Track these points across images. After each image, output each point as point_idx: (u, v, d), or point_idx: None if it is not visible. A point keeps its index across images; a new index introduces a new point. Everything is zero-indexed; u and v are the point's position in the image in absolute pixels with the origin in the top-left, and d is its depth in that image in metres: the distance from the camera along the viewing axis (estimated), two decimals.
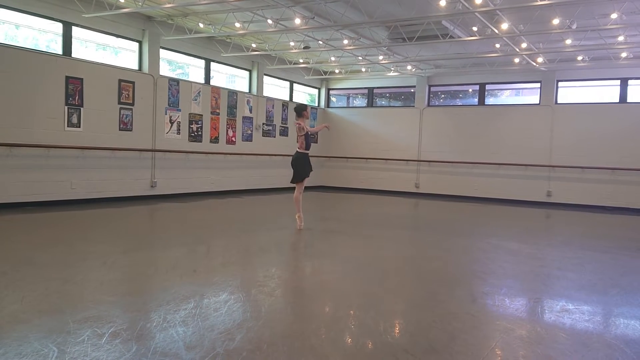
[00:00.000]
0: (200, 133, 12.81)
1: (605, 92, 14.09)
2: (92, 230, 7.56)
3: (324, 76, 16.52)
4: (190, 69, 13.22)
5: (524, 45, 11.41)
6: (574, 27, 9.60)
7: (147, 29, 11.32)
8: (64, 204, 9.75)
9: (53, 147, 9.59)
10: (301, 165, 7.96)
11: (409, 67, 14.86)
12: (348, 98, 18.35)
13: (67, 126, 9.87)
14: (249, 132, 14.40)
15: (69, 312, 3.67)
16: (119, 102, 10.81)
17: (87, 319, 3.51)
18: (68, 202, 9.88)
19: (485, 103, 15.57)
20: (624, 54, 11.89)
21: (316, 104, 17.81)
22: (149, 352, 3.00)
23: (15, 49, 9.17)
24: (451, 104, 16.75)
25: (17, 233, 7.09)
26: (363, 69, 15.56)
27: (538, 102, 14.59)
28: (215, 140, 13.25)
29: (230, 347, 3.12)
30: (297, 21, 10.05)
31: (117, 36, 11.05)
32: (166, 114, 11.91)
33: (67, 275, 4.83)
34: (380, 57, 13.53)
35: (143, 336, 3.26)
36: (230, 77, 14.43)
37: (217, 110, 13.30)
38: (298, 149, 7.97)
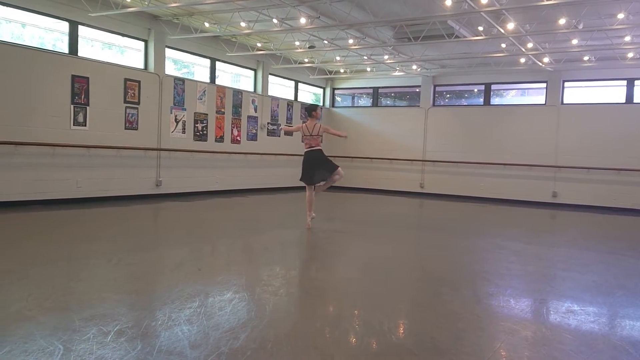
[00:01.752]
0: (205, 132, 12.83)
1: (612, 92, 14.01)
2: (97, 229, 7.58)
3: (329, 76, 16.51)
4: (195, 68, 13.24)
5: (529, 45, 11.37)
6: (580, 27, 9.56)
7: (153, 28, 11.35)
8: (70, 203, 9.79)
9: (59, 146, 9.63)
10: (304, 165, 8.02)
11: (414, 67, 14.83)
12: (353, 98, 18.34)
13: (73, 125, 9.90)
14: (254, 131, 14.41)
15: (75, 309, 3.69)
16: (125, 101, 10.85)
17: (92, 316, 3.53)
18: (73, 201, 9.91)
19: (491, 103, 15.53)
20: (630, 54, 11.83)
21: (321, 104, 17.81)
22: (154, 350, 3.01)
23: (21, 47, 9.21)
24: (456, 103, 16.71)
25: (22, 231, 7.13)
26: (368, 69, 15.54)
27: (544, 102, 14.53)
28: (220, 139, 13.27)
29: (234, 346, 3.12)
30: (303, 21, 10.05)
31: (123, 35, 11.08)
32: (171, 113, 11.93)
33: (72, 273, 4.86)
34: (386, 57, 13.52)
35: (148, 334, 3.27)
36: (235, 77, 14.45)
37: (222, 110, 13.31)
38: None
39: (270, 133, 15.01)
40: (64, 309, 3.71)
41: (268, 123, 14.87)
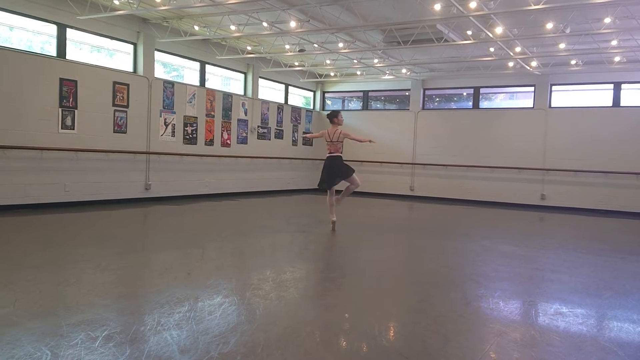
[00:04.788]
0: (195, 135, 12.78)
1: (599, 96, 14.17)
2: (85, 233, 7.52)
3: (319, 79, 16.53)
4: (185, 71, 13.20)
5: (518, 49, 11.47)
6: (568, 31, 9.66)
7: (142, 31, 11.30)
8: (58, 207, 9.71)
9: (47, 149, 9.55)
10: (323, 170, 8.33)
11: (403, 71, 14.89)
12: (343, 101, 18.37)
13: (61, 128, 9.82)
14: (244, 134, 14.38)
15: (62, 315, 3.65)
16: (114, 104, 10.78)
17: (80, 322, 3.49)
18: (61, 205, 9.82)
19: (480, 106, 15.63)
20: (617, 58, 11.97)
21: (311, 107, 17.82)
22: (142, 355, 2.99)
23: (9, 50, 9.13)
24: (446, 107, 16.80)
25: (10, 235, 7.05)
26: (358, 72, 15.58)
27: (532, 106, 14.66)
28: (210, 142, 13.23)
29: (224, 350, 3.11)
30: (293, 24, 10.06)
31: (112, 38, 11.02)
32: (161, 117, 11.88)
33: (60, 278, 4.81)
34: (375, 61, 13.56)
35: (137, 339, 3.24)
36: (225, 80, 14.42)
37: (212, 113, 13.28)
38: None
39: (261, 136, 14.99)
40: (52, 314, 3.67)
41: (258, 126, 14.86)
